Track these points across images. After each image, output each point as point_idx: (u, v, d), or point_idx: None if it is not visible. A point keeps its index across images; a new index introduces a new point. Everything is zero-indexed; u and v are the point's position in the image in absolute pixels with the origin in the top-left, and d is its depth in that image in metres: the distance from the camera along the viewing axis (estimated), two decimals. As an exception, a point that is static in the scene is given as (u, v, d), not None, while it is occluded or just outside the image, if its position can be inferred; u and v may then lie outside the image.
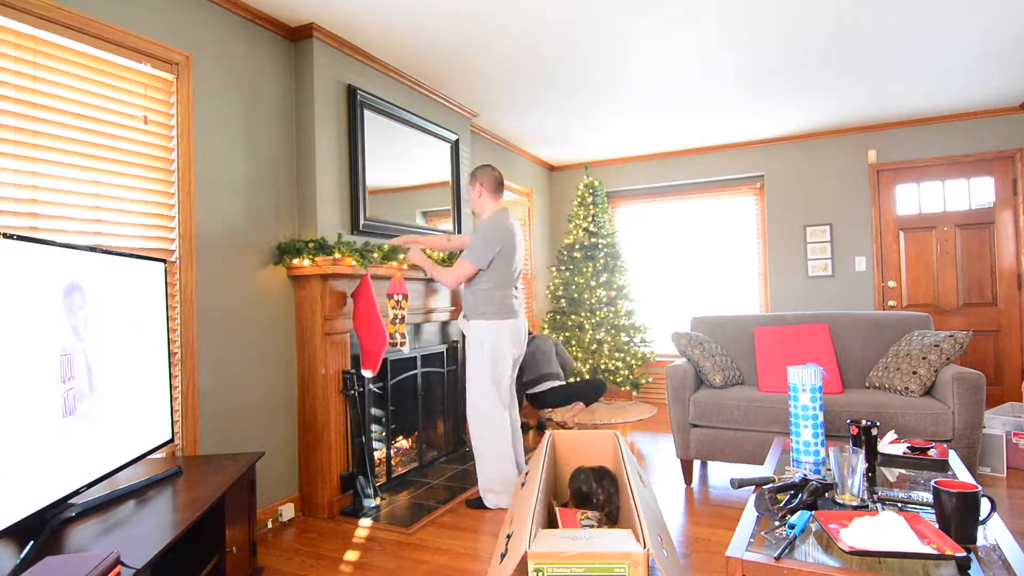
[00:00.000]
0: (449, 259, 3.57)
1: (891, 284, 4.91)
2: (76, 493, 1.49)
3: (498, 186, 3.03)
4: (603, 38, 3.16)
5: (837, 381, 3.05)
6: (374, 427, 3.46)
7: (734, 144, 5.42)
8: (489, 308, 2.90)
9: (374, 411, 3.49)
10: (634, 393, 5.20)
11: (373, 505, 2.94)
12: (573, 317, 5.31)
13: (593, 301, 5.25)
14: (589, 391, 4.48)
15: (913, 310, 4.73)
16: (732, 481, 1.72)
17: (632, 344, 5.21)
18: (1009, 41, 3.31)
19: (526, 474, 2.21)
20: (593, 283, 5.26)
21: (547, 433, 2.43)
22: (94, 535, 1.42)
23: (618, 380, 5.12)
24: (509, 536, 1.60)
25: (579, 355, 5.20)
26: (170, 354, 2.13)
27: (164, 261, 2.04)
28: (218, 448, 2.54)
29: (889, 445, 2.05)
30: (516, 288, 3.02)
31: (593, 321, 5.22)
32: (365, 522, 2.78)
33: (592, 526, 1.91)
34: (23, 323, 1.33)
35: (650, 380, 5.21)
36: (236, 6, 2.67)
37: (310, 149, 2.97)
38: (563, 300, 5.42)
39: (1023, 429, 3.25)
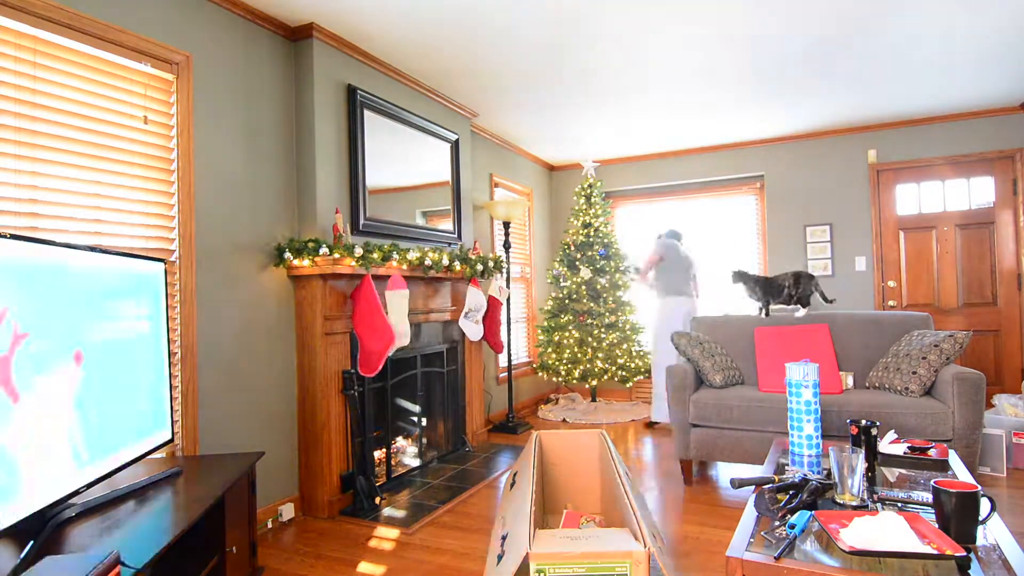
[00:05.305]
0: (449, 264, 3.56)
1: (891, 284, 4.91)
2: (76, 493, 1.49)
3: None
4: (604, 38, 3.16)
5: (837, 381, 3.05)
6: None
7: (734, 144, 5.42)
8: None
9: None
10: (640, 377, 5.21)
11: (373, 505, 2.94)
12: (570, 317, 5.30)
13: (591, 300, 5.24)
14: None
15: (913, 310, 4.73)
16: (732, 481, 1.72)
17: (629, 342, 5.21)
18: (1009, 41, 3.31)
19: (515, 474, 2.20)
20: (591, 281, 5.25)
21: (533, 433, 2.41)
22: (94, 535, 1.42)
23: (617, 379, 5.12)
24: (504, 537, 1.59)
25: (577, 354, 5.20)
26: (170, 354, 2.12)
27: (164, 261, 2.04)
28: (218, 448, 2.54)
29: (889, 445, 2.05)
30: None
31: (590, 321, 5.21)
32: (365, 522, 2.78)
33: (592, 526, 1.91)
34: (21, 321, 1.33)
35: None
36: (236, 6, 2.67)
37: (310, 149, 2.96)
38: (564, 299, 5.42)
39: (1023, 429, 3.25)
